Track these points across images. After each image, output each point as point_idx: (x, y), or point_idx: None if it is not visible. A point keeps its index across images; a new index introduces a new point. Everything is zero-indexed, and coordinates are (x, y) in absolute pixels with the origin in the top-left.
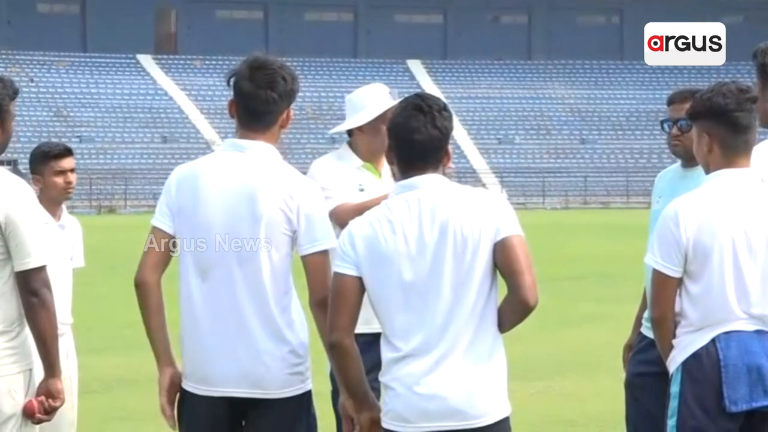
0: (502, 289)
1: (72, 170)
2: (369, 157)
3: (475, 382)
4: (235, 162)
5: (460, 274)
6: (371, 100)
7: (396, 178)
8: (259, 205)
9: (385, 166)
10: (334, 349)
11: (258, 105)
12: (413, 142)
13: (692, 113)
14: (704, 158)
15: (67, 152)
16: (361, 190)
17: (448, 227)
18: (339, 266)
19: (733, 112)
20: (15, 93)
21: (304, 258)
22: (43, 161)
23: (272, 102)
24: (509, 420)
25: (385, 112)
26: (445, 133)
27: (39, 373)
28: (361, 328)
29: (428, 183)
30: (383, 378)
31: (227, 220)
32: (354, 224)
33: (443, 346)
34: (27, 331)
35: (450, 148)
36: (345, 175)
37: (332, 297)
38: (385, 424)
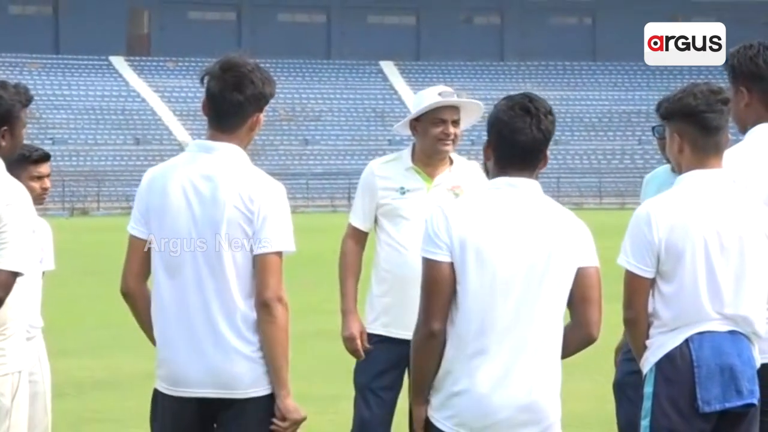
0: None
1: (48, 175)
2: (422, 159)
3: (545, 398)
4: (202, 163)
5: (542, 287)
6: (424, 98)
7: (489, 176)
8: (219, 207)
9: (444, 175)
10: (431, 339)
11: (225, 106)
12: (516, 142)
13: (664, 113)
14: (676, 158)
15: (46, 157)
16: (402, 193)
17: (543, 241)
18: (433, 252)
19: (703, 113)
20: (28, 100)
21: (253, 258)
22: (21, 165)
23: (237, 104)
24: None
25: (432, 112)
26: (548, 137)
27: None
28: (380, 330)
29: (530, 189)
30: (453, 378)
31: (192, 220)
32: (451, 211)
33: (515, 353)
34: (18, 334)
35: (548, 152)
36: (390, 176)
37: (426, 284)
38: (443, 426)
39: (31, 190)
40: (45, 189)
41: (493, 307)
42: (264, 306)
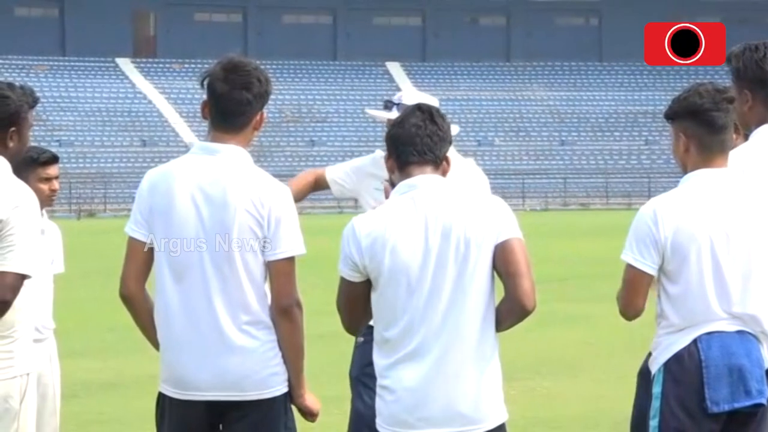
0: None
1: (56, 177)
2: None
3: (477, 385)
4: (207, 165)
5: (462, 277)
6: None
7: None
8: (230, 210)
9: None
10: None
11: (233, 106)
12: (412, 136)
13: (669, 113)
14: (681, 158)
15: (55, 159)
16: (377, 189)
17: (452, 231)
18: (347, 273)
19: (709, 112)
20: (35, 101)
21: (267, 264)
22: (30, 167)
23: (247, 103)
24: (506, 426)
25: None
26: (444, 130)
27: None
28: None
29: (429, 184)
30: (380, 381)
31: (200, 224)
32: (360, 226)
33: (443, 348)
34: (26, 336)
35: (448, 156)
36: (374, 171)
37: (343, 301)
38: (381, 428)
39: (39, 192)
40: (53, 191)
41: (412, 311)
42: (284, 313)
